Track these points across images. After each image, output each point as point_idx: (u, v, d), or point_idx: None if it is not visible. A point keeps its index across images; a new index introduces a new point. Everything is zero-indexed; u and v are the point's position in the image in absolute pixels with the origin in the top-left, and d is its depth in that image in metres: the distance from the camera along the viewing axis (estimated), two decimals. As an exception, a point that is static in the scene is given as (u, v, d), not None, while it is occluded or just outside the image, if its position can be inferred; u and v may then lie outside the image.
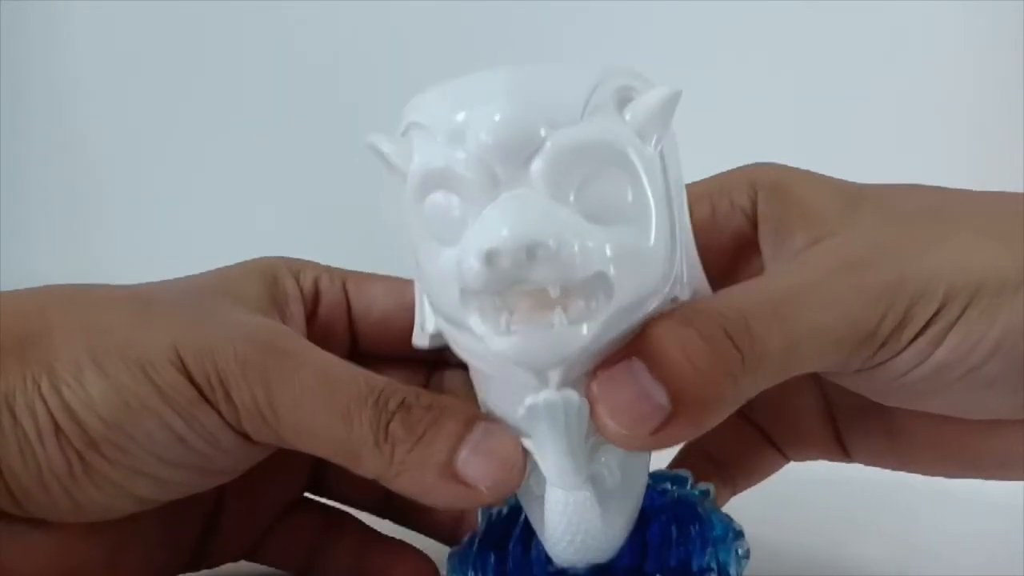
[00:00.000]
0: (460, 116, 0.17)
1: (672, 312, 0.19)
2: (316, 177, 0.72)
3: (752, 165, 0.24)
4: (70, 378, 0.20)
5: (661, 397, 0.18)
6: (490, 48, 0.68)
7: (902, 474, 0.25)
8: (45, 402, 0.20)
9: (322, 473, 0.27)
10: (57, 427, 0.20)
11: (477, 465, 0.19)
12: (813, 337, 0.19)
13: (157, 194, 0.74)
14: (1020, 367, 0.20)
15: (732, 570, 0.20)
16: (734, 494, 0.26)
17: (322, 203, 0.72)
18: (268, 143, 0.72)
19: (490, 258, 0.16)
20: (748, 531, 0.22)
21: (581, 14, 0.69)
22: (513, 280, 0.16)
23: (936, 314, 0.20)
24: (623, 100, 0.18)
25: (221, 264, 0.26)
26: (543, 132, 0.17)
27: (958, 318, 0.20)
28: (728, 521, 0.22)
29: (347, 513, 0.27)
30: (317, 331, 0.26)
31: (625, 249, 0.18)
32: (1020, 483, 0.24)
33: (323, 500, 0.28)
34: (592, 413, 0.18)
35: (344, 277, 0.27)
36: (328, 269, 0.27)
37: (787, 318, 0.19)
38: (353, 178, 0.68)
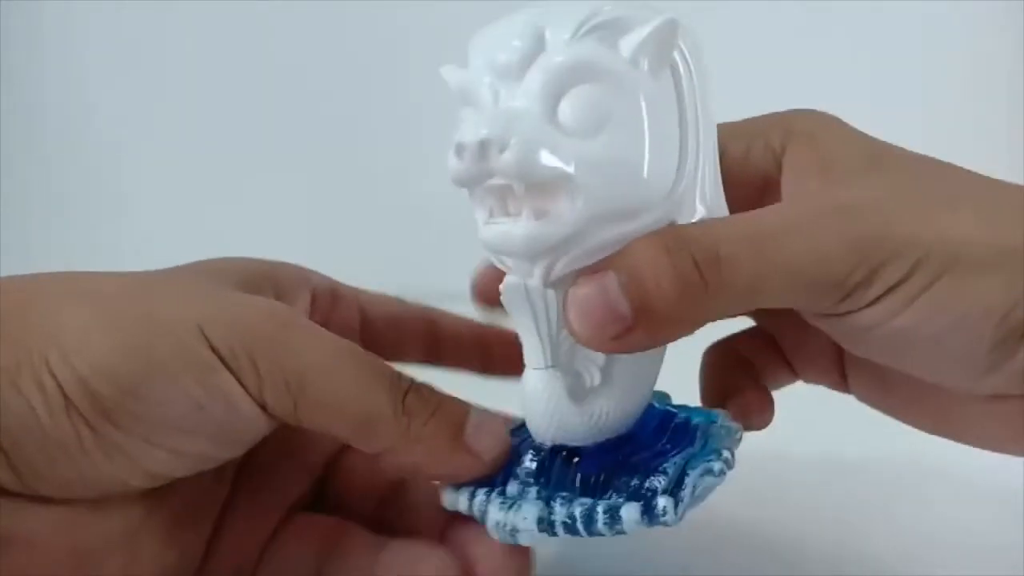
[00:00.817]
0: (473, 42, 0.21)
1: (657, 232, 0.20)
2: (322, 170, 0.74)
3: (794, 111, 0.24)
4: (79, 345, 0.20)
5: (624, 308, 0.19)
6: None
7: (907, 461, 0.27)
8: (54, 375, 0.19)
9: (322, 487, 0.27)
10: (67, 399, 0.19)
11: (481, 439, 0.23)
12: (781, 274, 0.20)
13: (163, 192, 0.75)
14: (978, 343, 0.20)
15: (689, 484, 0.21)
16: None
17: (324, 201, 0.74)
18: (274, 141, 0.73)
19: (457, 151, 0.19)
20: (751, 515, 0.23)
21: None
22: (480, 173, 0.19)
23: (905, 278, 0.20)
24: (621, 29, 0.20)
25: (228, 254, 0.26)
26: (532, 54, 0.20)
27: (927, 286, 0.20)
28: (718, 449, 0.22)
29: (352, 521, 0.26)
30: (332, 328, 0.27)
31: (597, 158, 0.20)
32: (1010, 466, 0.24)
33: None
34: (564, 314, 0.20)
35: (355, 290, 0.29)
36: (338, 282, 0.29)
37: (759, 253, 0.20)
38: (355, 177, 0.73)
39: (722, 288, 0.20)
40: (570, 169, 0.19)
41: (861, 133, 0.24)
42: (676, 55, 0.21)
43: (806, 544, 0.29)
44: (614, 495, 0.21)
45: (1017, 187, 0.22)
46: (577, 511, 0.20)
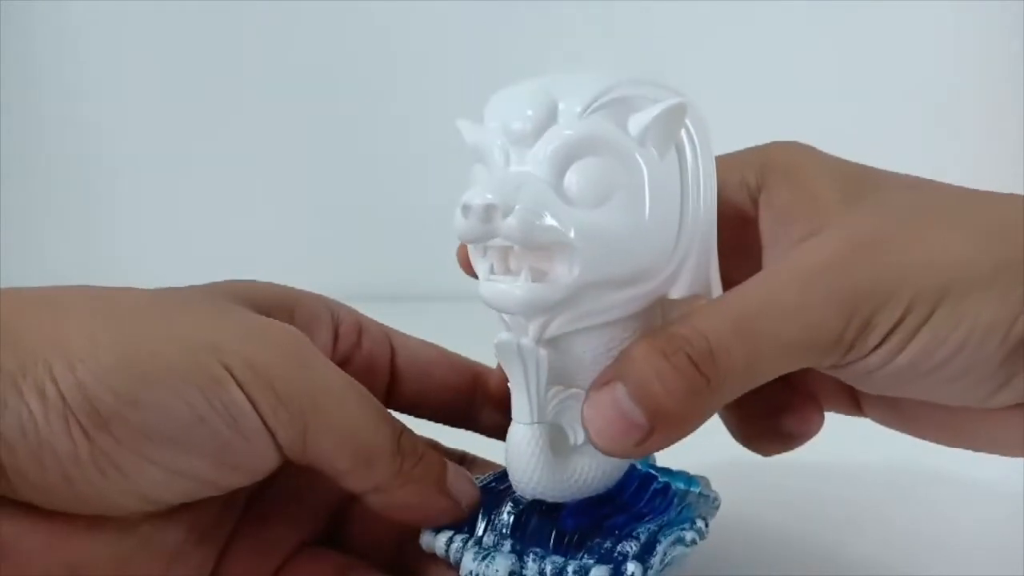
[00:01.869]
0: (491, 103, 0.22)
1: (649, 336, 0.21)
2: (324, 176, 0.74)
3: (769, 145, 0.25)
4: (85, 354, 0.20)
5: (640, 418, 0.20)
6: (490, 49, 0.65)
7: (902, 463, 0.28)
8: (56, 382, 0.19)
9: (338, 525, 0.27)
10: (67, 406, 0.19)
11: (459, 486, 0.23)
12: (775, 349, 0.21)
13: (165, 197, 0.75)
14: (985, 363, 0.21)
15: (660, 551, 0.21)
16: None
17: (327, 202, 0.73)
18: (275, 145, 0.73)
19: (463, 211, 0.20)
20: (748, 517, 0.24)
21: (587, 14, 0.68)
22: (484, 233, 0.20)
23: (901, 319, 0.21)
24: (631, 108, 0.21)
25: (227, 264, 0.27)
26: (544, 124, 0.21)
27: (924, 321, 0.21)
28: (693, 519, 0.23)
29: (364, 559, 0.26)
30: (357, 368, 0.27)
31: (596, 229, 0.20)
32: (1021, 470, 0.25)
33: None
34: (585, 429, 0.21)
35: (386, 328, 0.28)
36: (368, 318, 0.28)
37: (747, 335, 0.20)
38: (358, 181, 0.73)
39: (723, 379, 0.20)
40: (570, 237, 0.20)
41: (838, 161, 0.25)
42: (683, 134, 0.22)
43: (807, 547, 0.30)
44: (586, 555, 0.21)
45: (1000, 198, 0.23)
46: (548, 568, 0.21)
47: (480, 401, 0.28)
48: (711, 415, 0.22)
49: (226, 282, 0.25)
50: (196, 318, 0.22)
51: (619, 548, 0.21)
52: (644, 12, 0.67)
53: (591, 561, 0.21)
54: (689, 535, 0.22)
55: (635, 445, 0.21)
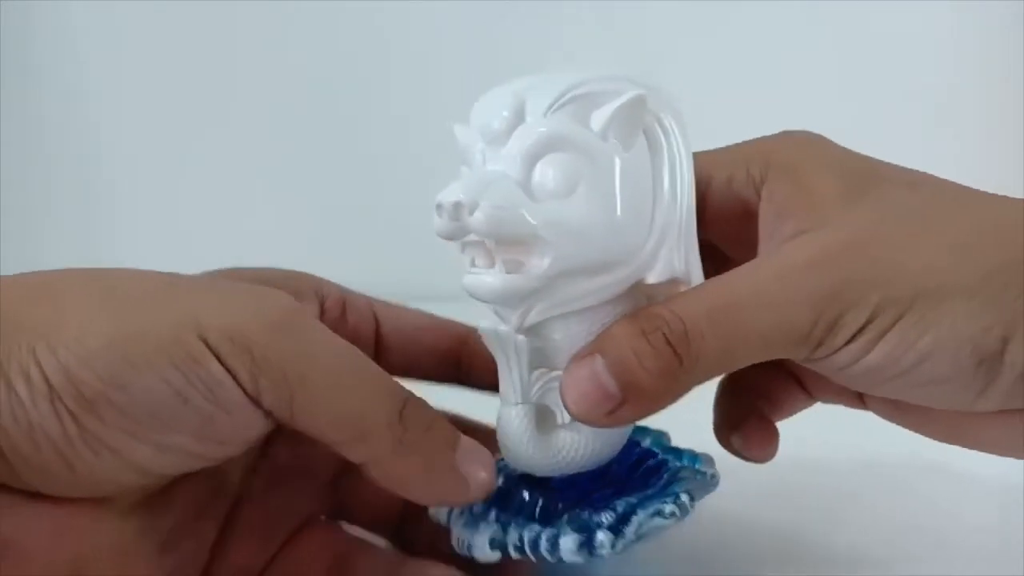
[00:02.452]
0: (474, 107, 0.23)
1: (632, 315, 0.22)
2: (324, 173, 0.73)
3: (777, 136, 0.26)
4: (72, 337, 0.20)
5: (614, 389, 0.22)
6: (490, 49, 0.65)
7: (890, 454, 0.28)
8: (40, 365, 0.20)
9: (343, 498, 0.27)
10: (51, 388, 0.20)
11: (470, 464, 0.23)
12: (746, 339, 0.22)
13: (166, 194, 0.74)
14: (956, 372, 0.21)
15: (635, 522, 0.23)
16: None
17: (328, 201, 0.73)
18: (275, 142, 0.72)
19: (437, 210, 0.22)
20: (741, 511, 0.26)
21: (585, 13, 0.67)
22: (456, 230, 0.22)
23: (869, 321, 0.21)
24: (594, 103, 0.22)
25: (227, 263, 0.26)
26: (514, 123, 0.22)
27: (891, 326, 0.21)
28: (677, 494, 0.24)
29: (367, 538, 0.27)
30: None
31: (564, 219, 0.22)
32: (1011, 461, 0.25)
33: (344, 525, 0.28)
34: (562, 397, 0.22)
35: (369, 300, 0.28)
36: (352, 291, 0.28)
37: (721, 324, 0.22)
38: (357, 178, 0.73)
39: (695, 361, 0.22)
40: (537, 229, 0.22)
41: (845, 155, 0.25)
42: (655, 123, 0.23)
43: (805, 542, 0.30)
44: (564, 525, 0.23)
45: (994, 202, 0.23)
46: (526, 536, 0.23)
47: (467, 361, 0.29)
48: (683, 394, 0.23)
49: (224, 269, 0.26)
50: (181, 294, 0.22)
51: (595, 518, 0.22)
52: (643, 11, 0.67)
53: (565, 529, 0.22)
54: (668, 508, 0.23)
55: (607, 414, 0.22)
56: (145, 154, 0.73)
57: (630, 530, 0.22)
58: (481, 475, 0.23)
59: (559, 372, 0.24)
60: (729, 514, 0.30)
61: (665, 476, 0.25)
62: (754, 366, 0.28)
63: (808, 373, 0.28)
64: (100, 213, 0.75)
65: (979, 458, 0.25)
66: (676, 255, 0.23)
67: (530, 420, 0.23)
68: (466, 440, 0.24)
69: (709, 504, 0.27)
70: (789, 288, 0.22)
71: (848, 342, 0.22)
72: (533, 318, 0.23)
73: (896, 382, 0.22)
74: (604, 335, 0.23)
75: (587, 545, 0.22)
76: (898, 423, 0.26)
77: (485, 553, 0.23)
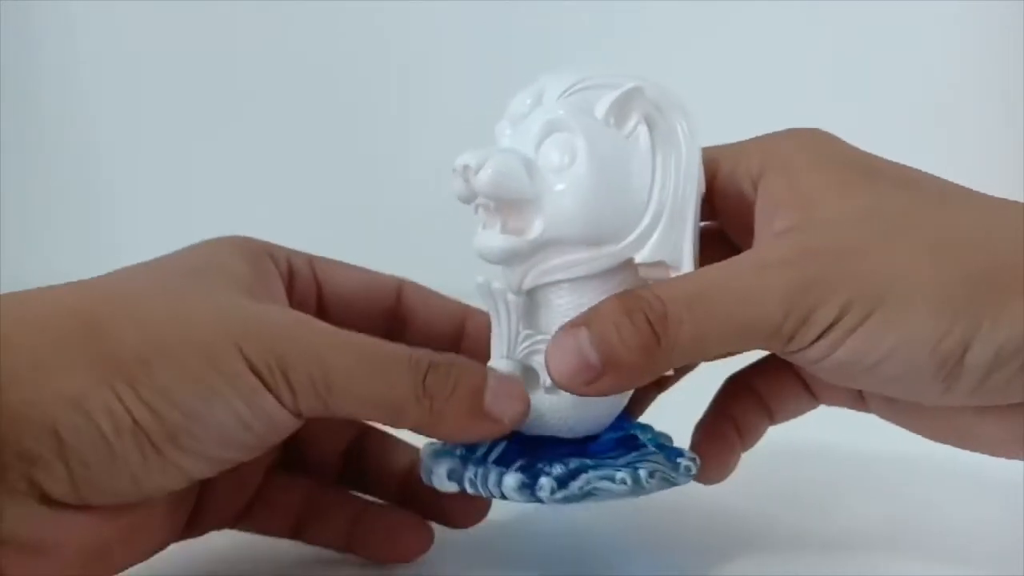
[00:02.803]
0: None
1: (621, 294, 0.24)
2: (321, 173, 0.72)
3: (781, 133, 0.27)
4: (142, 373, 0.21)
5: (594, 359, 0.23)
6: (490, 50, 0.64)
7: (884, 447, 0.29)
8: (121, 400, 0.21)
9: (288, 448, 0.28)
10: (136, 423, 0.21)
11: (500, 404, 0.24)
12: (721, 329, 0.23)
13: (165, 194, 0.74)
14: (919, 371, 0.23)
15: (582, 479, 0.24)
16: (772, 424, 0.30)
17: (327, 200, 0.72)
18: (274, 141, 0.72)
19: (453, 172, 0.25)
20: (735, 503, 0.28)
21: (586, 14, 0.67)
22: (468, 192, 0.25)
23: (838, 319, 0.23)
24: (601, 94, 0.25)
25: None
26: (532, 107, 0.25)
27: (859, 324, 0.23)
28: (637, 467, 0.25)
29: (338, 486, 0.29)
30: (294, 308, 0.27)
31: (559, 192, 0.24)
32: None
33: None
34: (546, 363, 0.24)
35: (311, 260, 0.29)
36: (295, 252, 0.29)
37: (698, 311, 0.23)
38: (354, 177, 0.72)
39: (672, 344, 0.23)
40: (535, 196, 0.24)
41: (844, 151, 0.26)
42: (657, 114, 0.25)
43: (800, 538, 0.31)
44: (515, 468, 0.24)
45: (979, 207, 0.24)
46: (479, 472, 0.24)
47: (401, 320, 0.30)
48: (659, 374, 0.24)
49: (191, 253, 0.27)
50: (217, 319, 0.23)
51: (545, 467, 0.24)
52: (643, 11, 0.68)
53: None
54: (620, 475, 0.24)
55: (586, 383, 0.24)
56: (145, 154, 0.74)
57: (576, 485, 0.24)
58: (514, 409, 0.25)
59: (545, 336, 0.26)
60: (727, 510, 0.31)
61: (633, 454, 0.26)
62: (762, 366, 0.29)
63: (813, 376, 0.28)
64: (100, 213, 0.74)
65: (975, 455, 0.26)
66: (667, 240, 0.25)
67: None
68: (493, 379, 0.25)
69: (705, 499, 0.29)
70: (764, 283, 0.23)
71: (818, 338, 0.23)
72: (529, 281, 0.25)
73: (865, 377, 0.24)
74: (592, 310, 0.24)
75: (529, 487, 0.24)
76: (896, 423, 0.28)
77: (443, 483, 0.25)
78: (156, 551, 0.26)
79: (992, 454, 0.26)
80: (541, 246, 0.25)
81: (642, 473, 0.25)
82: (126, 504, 0.22)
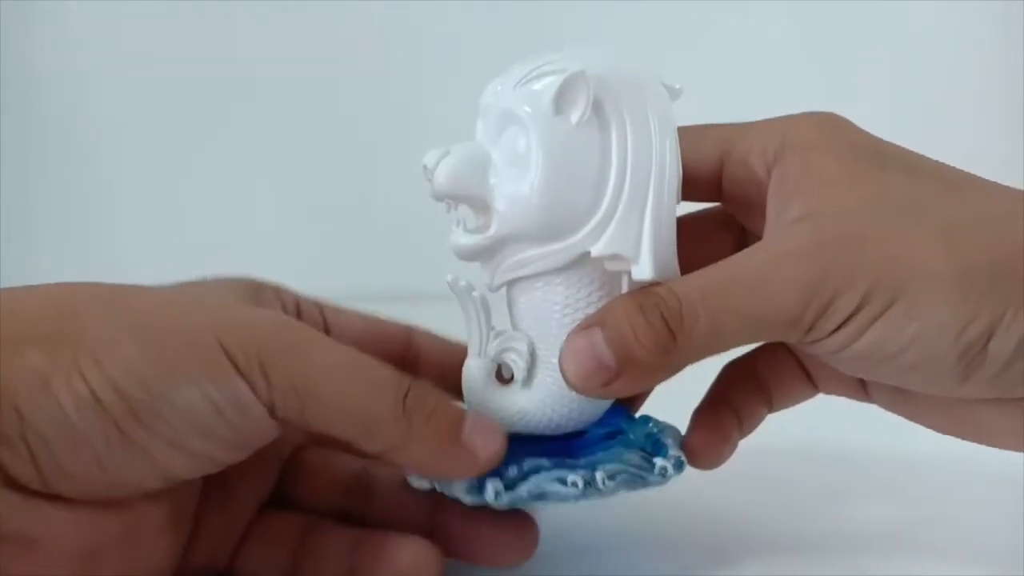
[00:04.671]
0: None
1: (633, 292, 0.24)
2: (321, 173, 0.70)
3: (797, 116, 0.26)
4: (109, 353, 0.21)
5: (610, 360, 0.23)
6: (489, 50, 0.52)
7: (884, 445, 0.30)
8: (85, 378, 0.21)
9: (286, 486, 0.28)
10: (96, 399, 0.21)
11: (477, 438, 0.24)
12: (738, 322, 0.23)
13: (165, 194, 0.72)
14: (941, 359, 0.22)
15: (531, 482, 0.23)
16: (770, 412, 0.29)
17: (327, 200, 0.70)
18: (274, 142, 0.70)
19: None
20: (735, 502, 0.28)
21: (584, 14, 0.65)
22: (433, 191, 0.25)
23: (859, 308, 0.22)
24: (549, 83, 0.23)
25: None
26: (495, 100, 0.25)
27: (880, 313, 0.22)
28: (595, 469, 0.24)
29: (323, 516, 0.27)
30: None
31: (508, 189, 0.24)
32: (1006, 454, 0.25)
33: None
34: (560, 366, 0.24)
35: (319, 304, 0.29)
36: (303, 296, 0.29)
37: (714, 305, 0.23)
38: (357, 181, 0.69)
39: (689, 339, 0.23)
40: (486, 192, 0.24)
41: (858, 137, 0.25)
42: (612, 103, 0.24)
43: (806, 538, 0.30)
44: None
45: (988, 193, 0.24)
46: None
47: (412, 360, 0.29)
48: (676, 371, 0.24)
49: (206, 281, 0.27)
50: (200, 313, 0.23)
51: (500, 469, 0.24)
52: (643, 11, 0.65)
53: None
54: (571, 478, 0.23)
55: (602, 385, 0.23)
56: (145, 154, 0.74)
57: (524, 488, 0.23)
58: (489, 449, 0.24)
59: (517, 333, 0.25)
60: (727, 510, 0.30)
61: (601, 454, 0.24)
62: (763, 353, 0.28)
63: (814, 364, 0.28)
64: (100, 213, 0.74)
65: (976, 449, 0.25)
66: (624, 231, 0.24)
67: (484, 374, 0.25)
68: (471, 416, 0.24)
69: (705, 497, 0.29)
70: (781, 274, 0.23)
71: (838, 328, 0.22)
72: (498, 278, 0.25)
73: (884, 367, 0.23)
74: (605, 308, 0.24)
75: (477, 489, 0.23)
76: (900, 414, 0.27)
77: (414, 480, 0.25)
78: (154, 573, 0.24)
79: (998, 446, 0.25)
80: (501, 242, 0.24)
81: (599, 475, 0.24)
82: (108, 501, 0.22)
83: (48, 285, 0.23)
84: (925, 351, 0.22)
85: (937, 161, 0.25)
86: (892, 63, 0.66)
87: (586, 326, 0.24)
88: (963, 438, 0.26)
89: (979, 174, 0.25)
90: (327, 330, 0.29)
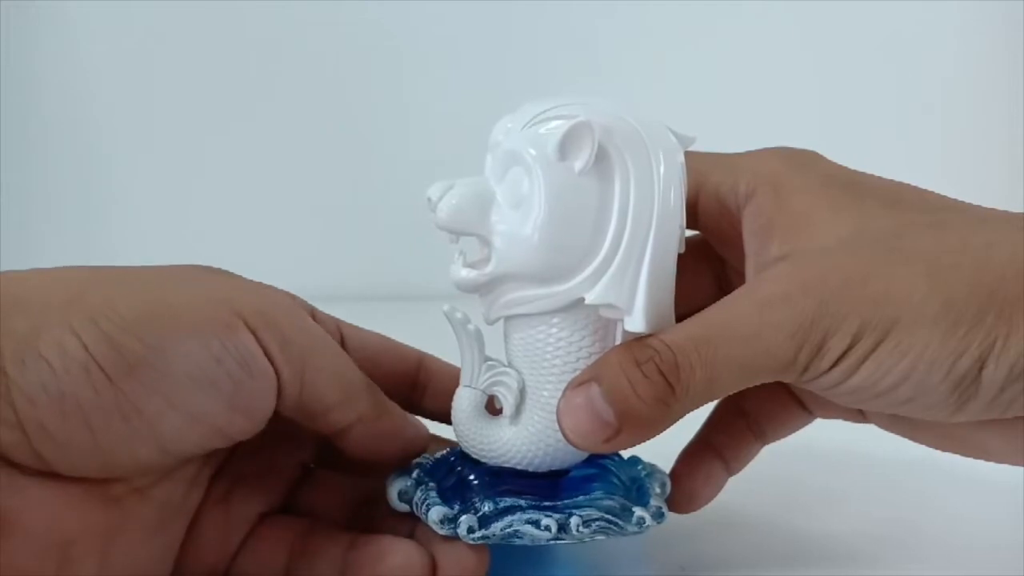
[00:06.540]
0: None
1: (626, 345, 0.24)
2: (320, 174, 0.70)
3: (770, 151, 0.27)
4: (104, 310, 0.21)
5: (610, 417, 0.23)
6: (489, 51, 0.63)
7: (884, 448, 0.29)
8: (78, 335, 0.20)
9: (295, 499, 0.28)
10: (90, 356, 0.20)
11: (413, 419, 0.27)
12: (732, 370, 0.23)
13: (165, 194, 0.73)
14: (934, 391, 0.23)
15: (505, 520, 0.24)
16: (764, 445, 0.29)
17: (326, 202, 0.70)
18: (275, 142, 0.70)
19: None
20: (735, 502, 0.28)
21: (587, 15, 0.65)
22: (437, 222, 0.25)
23: (851, 346, 0.23)
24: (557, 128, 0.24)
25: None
26: (501, 140, 0.25)
27: (872, 350, 0.23)
28: (571, 514, 0.24)
29: (324, 522, 0.27)
30: None
31: (508, 229, 0.24)
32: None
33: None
34: (559, 424, 0.24)
35: (337, 321, 0.29)
36: (321, 312, 0.29)
37: (707, 354, 0.23)
38: (357, 181, 0.70)
39: (686, 390, 0.23)
40: (486, 231, 0.24)
41: (831, 171, 0.26)
42: (618, 154, 0.23)
43: (798, 539, 0.30)
44: (446, 501, 0.25)
45: (971, 221, 0.24)
46: (419, 497, 0.25)
47: (423, 383, 0.30)
48: (676, 421, 0.24)
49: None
50: (207, 279, 0.25)
51: (479, 504, 0.24)
52: (644, 11, 0.65)
53: (451, 504, 0.24)
54: (545, 521, 0.24)
55: (604, 441, 0.23)
56: (145, 154, 0.74)
57: (497, 526, 0.24)
58: (419, 426, 0.27)
59: (508, 369, 0.26)
60: (727, 510, 0.30)
61: (582, 498, 0.25)
62: (750, 390, 0.28)
63: (808, 393, 0.28)
64: (100, 213, 0.75)
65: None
66: (619, 281, 0.24)
67: (472, 405, 0.26)
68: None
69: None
70: (769, 319, 0.23)
71: (833, 366, 0.23)
72: (493, 313, 0.25)
73: (879, 400, 0.23)
74: (600, 363, 0.24)
75: (451, 522, 0.24)
76: (899, 435, 0.27)
77: (395, 502, 0.26)
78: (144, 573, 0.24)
79: (997, 462, 0.26)
80: (498, 280, 0.25)
81: (573, 521, 0.24)
82: (97, 487, 0.22)
83: (46, 269, 0.23)
84: (918, 385, 0.22)
85: (912, 187, 0.25)
86: (892, 63, 0.65)
87: (581, 381, 0.24)
88: (963, 455, 0.26)
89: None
90: (343, 345, 0.29)
